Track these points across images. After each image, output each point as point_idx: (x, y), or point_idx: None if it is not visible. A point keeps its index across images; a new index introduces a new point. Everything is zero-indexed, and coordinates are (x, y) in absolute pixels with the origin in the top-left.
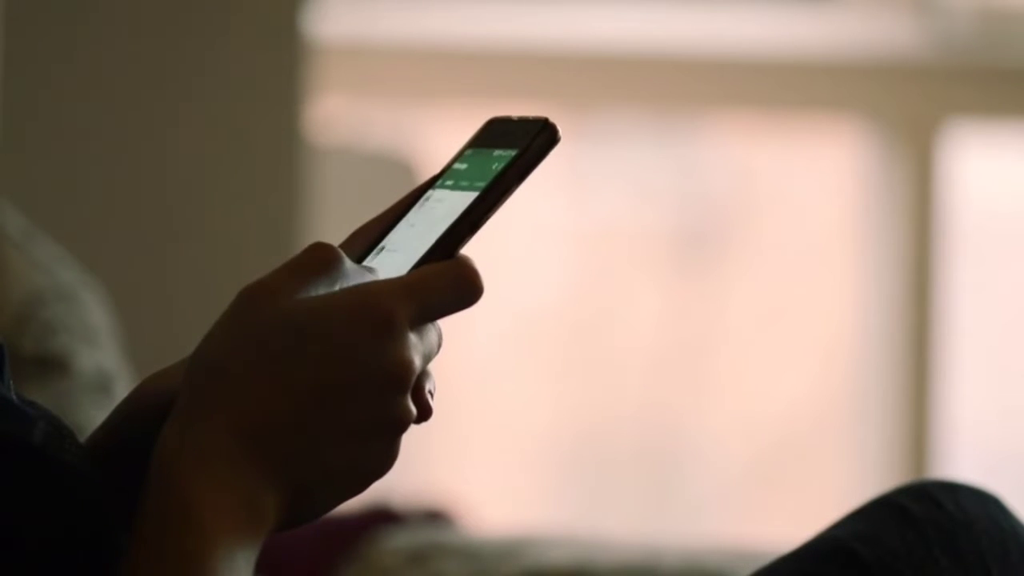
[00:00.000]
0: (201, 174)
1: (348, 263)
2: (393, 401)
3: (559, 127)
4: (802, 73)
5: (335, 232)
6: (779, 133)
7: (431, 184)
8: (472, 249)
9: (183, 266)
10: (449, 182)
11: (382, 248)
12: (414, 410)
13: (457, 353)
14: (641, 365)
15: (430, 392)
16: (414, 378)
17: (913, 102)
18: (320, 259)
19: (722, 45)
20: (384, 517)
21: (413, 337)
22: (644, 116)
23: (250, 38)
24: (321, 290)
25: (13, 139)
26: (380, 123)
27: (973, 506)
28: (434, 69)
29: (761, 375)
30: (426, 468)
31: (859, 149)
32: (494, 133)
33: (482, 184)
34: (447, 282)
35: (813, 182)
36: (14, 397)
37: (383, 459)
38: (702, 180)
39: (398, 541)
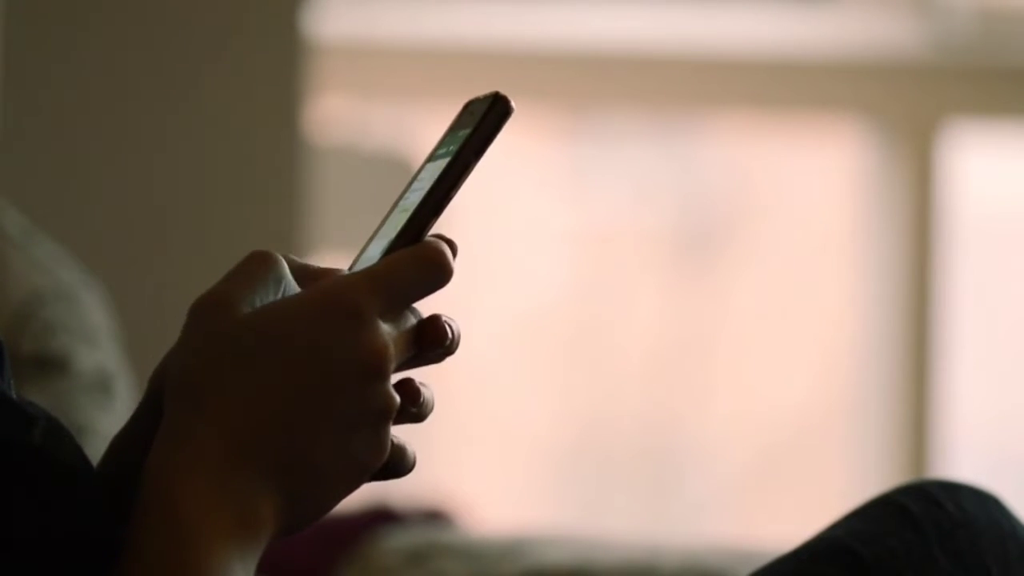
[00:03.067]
0: (201, 174)
1: (285, 265)
2: (373, 390)
3: (511, 99)
4: (802, 73)
5: (335, 231)
6: (779, 133)
7: (420, 170)
8: (472, 249)
9: (183, 266)
10: (428, 165)
11: (372, 239)
12: (397, 397)
13: (457, 353)
14: (641, 365)
15: (421, 383)
16: (391, 365)
17: (913, 102)
18: (260, 263)
19: (722, 45)
20: (384, 517)
21: (385, 325)
22: (644, 116)
23: (250, 38)
24: (269, 292)
25: (13, 139)
26: (380, 123)
27: (973, 506)
28: (434, 69)
29: (761, 375)
30: (426, 468)
31: (859, 149)
32: (466, 114)
33: (443, 166)
34: (412, 266)
35: (813, 182)
36: (14, 396)
37: (373, 450)
38: (702, 180)
39: (398, 541)
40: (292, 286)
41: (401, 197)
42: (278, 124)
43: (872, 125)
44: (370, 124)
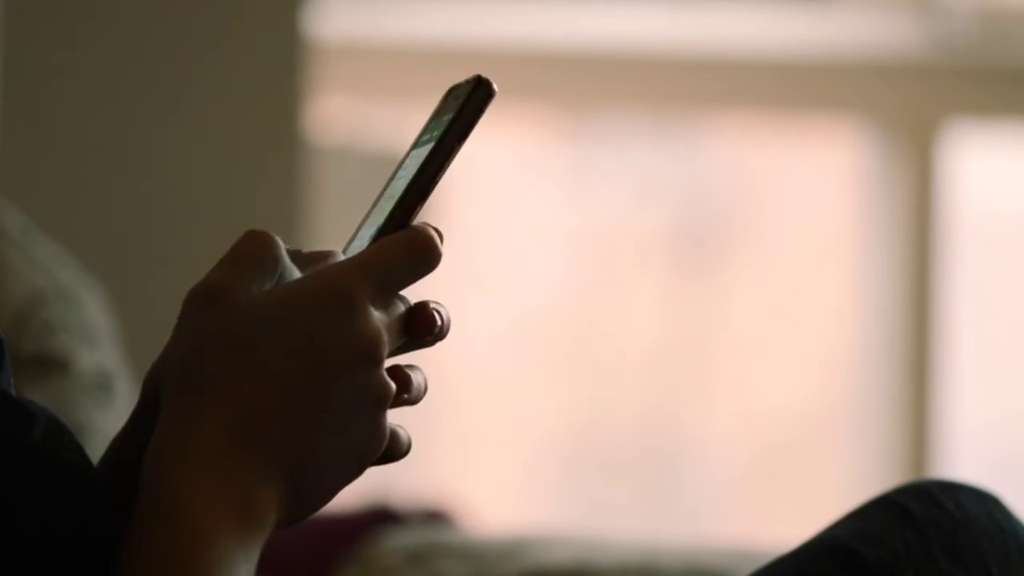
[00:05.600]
0: (201, 174)
1: (281, 245)
2: (367, 376)
3: (493, 81)
4: (802, 73)
5: (335, 231)
6: (779, 133)
7: (405, 157)
8: (473, 249)
9: (183, 266)
10: (413, 152)
11: (361, 226)
12: (393, 384)
13: (457, 353)
14: (641, 365)
15: (411, 367)
16: (385, 350)
17: (913, 102)
18: (257, 246)
19: (722, 45)
20: (384, 517)
21: (377, 312)
22: (644, 116)
23: (250, 38)
24: (266, 276)
25: (13, 139)
26: (380, 123)
27: (973, 506)
28: (434, 69)
29: (761, 375)
30: (426, 468)
31: (859, 149)
32: (449, 100)
33: (427, 151)
34: (401, 251)
35: (813, 182)
36: (14, 393)
37: (371, 438)
38: (702, 180)
39: (398, 541)
40: (289, 267)
41: (387, 186)
42: (278, 124)
43: (872, 125)
44: (370, 124)
